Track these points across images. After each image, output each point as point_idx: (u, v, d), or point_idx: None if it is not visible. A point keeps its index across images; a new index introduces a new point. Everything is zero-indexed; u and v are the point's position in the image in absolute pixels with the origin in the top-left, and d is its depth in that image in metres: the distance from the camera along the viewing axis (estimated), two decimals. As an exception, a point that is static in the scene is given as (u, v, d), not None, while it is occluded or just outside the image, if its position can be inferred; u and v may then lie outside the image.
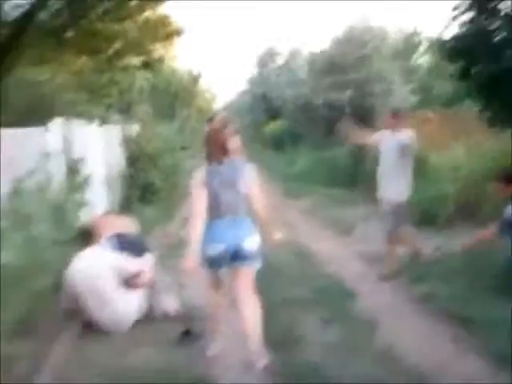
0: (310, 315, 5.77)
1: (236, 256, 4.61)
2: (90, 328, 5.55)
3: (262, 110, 34.80)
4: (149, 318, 5.80)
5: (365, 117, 15.59)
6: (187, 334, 5.40)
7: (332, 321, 5.61)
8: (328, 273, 7.38)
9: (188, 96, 33.78)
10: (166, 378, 4.51)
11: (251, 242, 4.63)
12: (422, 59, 22.21)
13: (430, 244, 8.06)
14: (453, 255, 7.17)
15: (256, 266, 4.76)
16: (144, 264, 6.03)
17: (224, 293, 4.94)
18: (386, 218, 7.21)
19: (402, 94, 14.99)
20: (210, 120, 7.83)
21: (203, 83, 40.32)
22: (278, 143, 25.32)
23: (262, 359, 4.51)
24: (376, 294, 6.53)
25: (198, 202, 4.56)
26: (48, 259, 6.14)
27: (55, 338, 5.36)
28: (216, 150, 4.67)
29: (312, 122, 16.60)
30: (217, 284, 4.89)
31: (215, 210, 4.60)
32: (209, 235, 4.56)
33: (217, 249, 4.56)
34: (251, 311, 4.68)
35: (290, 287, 6.59)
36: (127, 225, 7.13)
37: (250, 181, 4.69)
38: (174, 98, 31.76)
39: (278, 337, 5.23)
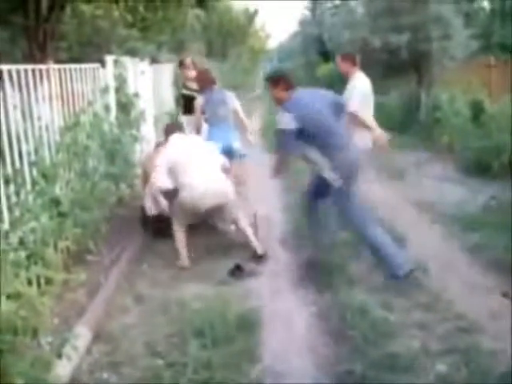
0: (360, 258, 5.78)
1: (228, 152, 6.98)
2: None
3: (315, 52, 34.20)
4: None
5: (421, 62, 15.19)
6: (239, 269, 5.50)
7: (379, 265, 5.61)
8: (378, 217, 7.32)
9: (241, 35, 33.38)
10: (216, 312, 4.61)
11: (237, 143, 7.56)
12: (485, 2, 21.35)
13: (483, 193, 7.95)
14: (507, 205, 7.05)
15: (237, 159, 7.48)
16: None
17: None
18: None
19: (462, 39, 14.47)
20: (182, 63, 8.36)
21: (257, 22, 39.79)
22: (331, 86, 24.93)
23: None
24: (427, 240, 6.47)
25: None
26: (101, 192, 6.27)
27: (108, 268, 5.52)
28: (207, 83, 7.62)
29: (367, 65, 16.23)
30: None
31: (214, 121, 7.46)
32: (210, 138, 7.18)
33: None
34: None
35: (340, 230, 6.57)
36: None
37: (234, 100, 7.67)
38: (227, 36, 31.44)
39: (327, 277, 5.30)
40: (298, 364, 4.01)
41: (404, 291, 4.98)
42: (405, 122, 14.23)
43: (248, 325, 4.45)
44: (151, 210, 5.98)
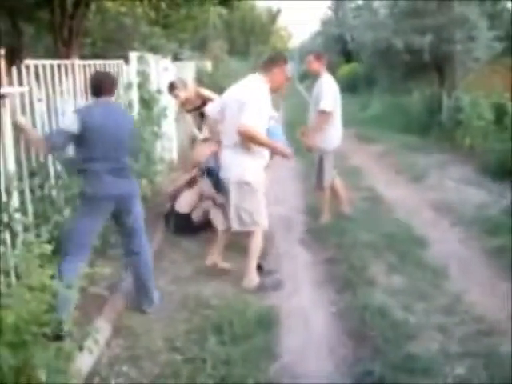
0: (380, 260, 5.77)
1: None
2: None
3: (336, 52, 34.17)
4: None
5: (444, 64, 15.11)
6: (259, 269, 5.51)
7: (401, 267, 5.61)
8: (398, 218, 7.32)
9: (264, 34, 33.37)
10: (235, 308, 4.65)
11: None
12: (509, 3, 21.10)
13: (504, 196, 7.90)
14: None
15: None
16: None
17: None
18: None
19: (486, 41, 14.38)
20: (173, 86, 7.71)
21: (280, 21, 39.78)
22: (352, 86, 24.93)
23: None
24: (446, 242, 6.44)
25: None
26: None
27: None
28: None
29: (390, 66, 16.20)
30: None
31: None
32: None
33: None
34: None
35: (360, 231, 6.59)
36: None
37: None
38: (249, 35, 31.46)
39: (348, 278, 5.32)
40: (316, 363, 4.02)
41: (423, 293, 4.97)
42: (426, 124, 14.15)
43: (267, 322, 4.47)
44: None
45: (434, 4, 14.72)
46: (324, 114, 6.71)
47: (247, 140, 5.04)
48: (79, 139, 4.45)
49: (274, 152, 5.38)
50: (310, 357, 4.11)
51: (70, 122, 4.45)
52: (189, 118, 7.88)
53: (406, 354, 3.98)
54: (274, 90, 5.30)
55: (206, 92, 7.69)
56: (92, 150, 4.47)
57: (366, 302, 4.76)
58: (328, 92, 6.72)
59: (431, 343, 4.14)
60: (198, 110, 7.72)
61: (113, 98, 4.83)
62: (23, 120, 4.51)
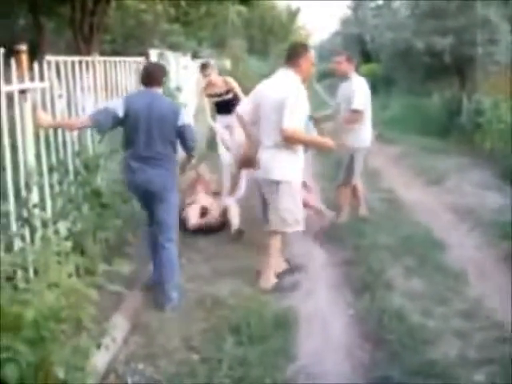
0: (398, 262, 5.73)
1: None
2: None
3: (355, 52, 34.04)
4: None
5: (465, 66, 15.00)
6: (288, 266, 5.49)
7: (419, 270, 5.56)
8: (417, 221, 7.27)
9: (283, 32, 33.28)
10: (252, 309, 4.63)
11: None
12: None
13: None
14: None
15: None
16: None
17: None
18: None
19: (508, 44, 14.24)
20: (206, 66, 7.84)
21: (299, 20, 39.69)
22: (370, 87, 24.74)
23: None
24: (465, 247, 6.38)
25: None
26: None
27: (146, 261, 5.55)
28: None
29: (410, 67, 16.10)
30: None
31: None
32: None
33: None
34: None
35: (378, 233, 6.54)
36: None
37: None
38: (269, 33, 31.38)
39: (366, 280, 5.28)
40: (333, 366, 3.99)
41: (442, 297, 4.92)
42: (446, 126, 14.06)
43: (284, 324, 4.44)
44: None
45: (456, 5, 14.61)
46: (356, 113, 6.73)
47: (291, 142, 5.01)
48: (123, 125, 4.74)
49: (317, 147, 5.36)
50: (327, 359, 4.07)
51: (116, 105, 4.70)
52: (207, 106, 7.89)
53: (425, 359, 3.94)
54: (304, 80, 5.27)
55: (234, 83, 7.74)
56: (128, 136, 4.76)
57: (383, 305, 4.72)
58: (360, 92, 6.76)
59: (450, 349, 4.09)
60: (219, 97, 7.77)
61: (159, 89, 4.93)
62: (45, 116, 4.55)
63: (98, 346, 3.41)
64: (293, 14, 36.68)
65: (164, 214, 4.84)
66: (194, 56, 13.01)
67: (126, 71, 6.81)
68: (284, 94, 4.95)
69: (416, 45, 14.46)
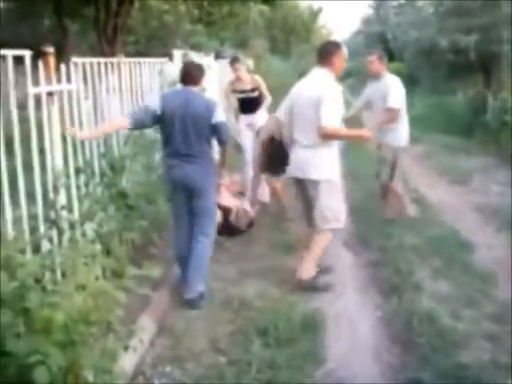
0: (425, 264, 5.66)
1: None
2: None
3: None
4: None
5: (490, 64, 14.83)
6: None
7: (447, 271, 5.49)
8: (443, 222, 7.19)
9: (305, 32, 33.15)
10: (280, 311, 4.60)
11: None
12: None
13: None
14: None
15: None
16: None
17: None
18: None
19: (534, 41, 14.07)
20: (237, 60, 7.80)
21: (320, 19, 39.51)
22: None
23: None
24: (493, 248, 6.28)
25: None
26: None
27: (172, 262, 5.55)
28: None
29: (434, 65, 15.96)
30: None
31: None
32: None
33: None
34: None
35: (405, 233, 6.48)
36: None
37: None
38: (291, 33, 31.29)
39: (393, 282, 5.23)
40: (361, 369, 3.95)
41: (471, 300, 4.86)
42: (470, 125, 13.91)
43: (312, 326, 4.41)
44: None
45: (480, 2, 14.45)
46: (392, 112, 6.70)
47: (329, 139, 5.02)
48: (160, 122, 4.88)
49: (355, 139, 5.36)
50: (356, 362, 4.03)
51: (154, 103, 4.87)
52: (233, 104, 7.89)
53: (455, 362, 3.89)
54: (337, 76, 5.25)
55: (261, 82, 7.72)
56: (165, 133, 4.91)
57: (411, 307, 4.67)
58: (395, 90, 6.74)
59: (481, 352, 4.03)
60: (244, 93, 7.73)
61: (197, 88, 5.02)
62: (76, 132, 4.63)
63: (126, 349, 3.40)
64: (315, 14, 36.53)
65: (202, 208, 4.99)
66: (217, 56, 13.00)
67: (150, 72, 6.82)
68: (320, 92, 4.93)
69: (440, 43, 14.33)
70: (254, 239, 6.46)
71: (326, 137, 4.95)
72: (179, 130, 4.79)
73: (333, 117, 4.90)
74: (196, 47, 12.76)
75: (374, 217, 7.03)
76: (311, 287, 5.17)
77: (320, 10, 36.98)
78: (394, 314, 4.68)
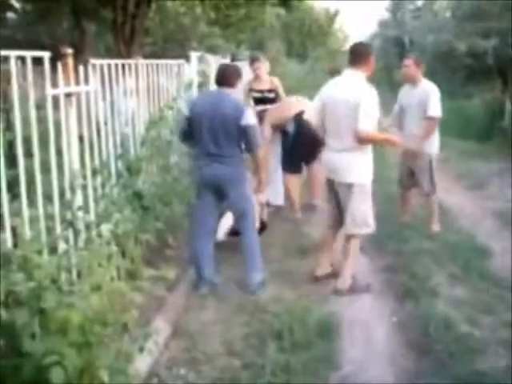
0: (441, 269, 5.63)
1: None
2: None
3: (394, 55, 33.62)
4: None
5: (507, 68, 14.71)
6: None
7: (464, 277, 5.45)
8: (459, 227, 7.14)
9: (322, 35, 33.10)
10: (295, 314, 4.58)
11: None
12: None
13: None
14: None
15: None
16: None
17: None
18: None
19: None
20: (257, 59, 7.81)
21: (336, 22, 39.40)
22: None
23: None
24: (509, 252, 6.20)
25: None
26: (181, 187, 6.31)
27: (187, 264, 5.55)
28: None
29: (451, 70, 15.90)
30: None
31: None
32: None
33: None
34: None
35: (421, 238, 6.44)
36: None
37: None
38: (307, 36, 31.27)
39: (409, 287, 5.20)
40: (377, 374, 3.92)
41: (488, 306, 4.82)
42: (487, 130, 13.80)
43: (327, 330, 4.39)
44: None
45: (499, 7, 14.36)
46: (434, 121, 6.61)
47: (366, 143, 5.02)
48: (190, 124, 5.02)
49: (387, 144, 5.36)
50: (371, 367, 4.00)
51: (184, 107, 5.11)
52: (250, 101, 7.89)
53: (471, 369, 3.86)
54: (368, 78, 5.22)
55: (279, 84, 7.74)
56: (195, 134, 5.03)
57: (428, 313, 4.64)
58: (436, 97, 6.61)
59: (499, 359, 3.99)
60: (261, 93, 7.74)
61: (231, 90, 5.09)
62: None
63: (141, 350, 3.40)
64: (331, 17, 36.47)
65: (237, 208, 5.17)
66: (233, 59, 13.02)
67: (167, 74, 6.83)
68: (359, 96, 4.88)
69: (457, 47, 14.27)
70: (268, 241, 6.43)
71: (363, 141, 4.93)
72: (208, 131, 4.89)
73: (370, 121, 4.88)
74: (212, 49, 12.77)
75: (391, 222, 6.98)
76: (353, 290, 5.18)
77: (337, 12, 36.93)
78: (409, 319, 4.66)
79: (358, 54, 5.12)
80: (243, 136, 4.94)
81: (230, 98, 5.04)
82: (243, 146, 5.08)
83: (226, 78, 5.05)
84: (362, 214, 5.14)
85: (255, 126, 5.03)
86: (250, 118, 4.93)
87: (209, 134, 4.90)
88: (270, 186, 6.93)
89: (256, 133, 5.01)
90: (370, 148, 5.12)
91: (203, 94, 5.53)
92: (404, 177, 7.13)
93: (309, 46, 31.49)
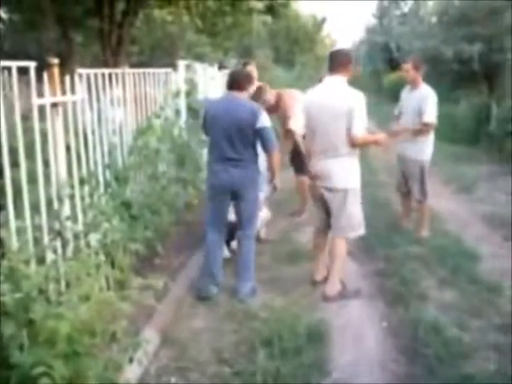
0: (431, 273, 5.65)
1: None
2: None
3: (381, 61, 33.82)
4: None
5: (493, 73, 14.84)
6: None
7: (453, 281, 5.47)
8: (448, 231, 7.16)
9: (309, 42, 33.21)
10: (284, 321, 4.57)
11: None
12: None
13: None
14: None
15: None
16: None
17: None
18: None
19: (537, 50, 14.10)
20: (247, 64, 7.86)
21: (324, 29, 39.59)
22: (398, 95, 24.60)
23: None
24: (499, 258, 6.23)
25: None
26: (170, 196, 6.30)
27: (176, 272, 5.54)
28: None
29: (438, 75, 15.99)
30: None
31: None
32: None
33: None
34: None
35: (409, 243, 6.46)
36: None
37: None
38: (294, 43, 31.36)
39: (399, 291, 5.21)
40: (367, 380, 3.92)
41: (477, 310, 4.83)
42: (474, 134, 13.89)
43: (317, 336, 4.39)
44: None
45: (484, 12, 14.48)
46: (429, 126, 6.64)
47: (359, 147, 5.10)
48: (205, 128, 5.22)
49: (376, 145, 5.38)
50: (361, 373, 4.00)
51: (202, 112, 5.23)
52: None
53: (461, 373, 3.87)
54: (355, 82, 5.33)
55: (268, 87, 7.76)
56: (210, 139, 5.19)
57: (418, 318, 4.66)
58: (433, 103, 6.60)
59: (487, 363, 4.01)
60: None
61: (243, 94, 5.18)
62: None
63: (131, 360, 3.39)
64: (318, 24, 36.62)
65: (245, 211, 5.22)
66: (220, 67, 13.01)
67: (155, 82, 6.83)
68: (348, 102, 4.91)
69: (444, 52, 14.35)
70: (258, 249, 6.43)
71: (357, 145, 5.01)
72: (224, 135, 4.98)
73: (362, 127, 4.94)
74: (200, 57, 12.76)
75: (380, 226, 7.00)
76: (342, 296, 5.20)
77: (324, 20, 37.08)
78: (399, 324, 4.67)
79: (339, 62, 5.15)
80: (259, 139, 5.03)
81: (244, 102, 5.14)
82: (259, 148, 5.17)
83: (237, 82, 5.15)
84: (358, 216, 5.20)
85: (270, 128, 5.09)
86: (264, 120, 5.01)
87: (224, 138, 5.00)
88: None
89: (271, 135, 5.07)
90: (357, 151, 5.15)
91: (219, 99, 5.63)
92: (400, 182, 7.16)
93: (296, 52, 31.63)
